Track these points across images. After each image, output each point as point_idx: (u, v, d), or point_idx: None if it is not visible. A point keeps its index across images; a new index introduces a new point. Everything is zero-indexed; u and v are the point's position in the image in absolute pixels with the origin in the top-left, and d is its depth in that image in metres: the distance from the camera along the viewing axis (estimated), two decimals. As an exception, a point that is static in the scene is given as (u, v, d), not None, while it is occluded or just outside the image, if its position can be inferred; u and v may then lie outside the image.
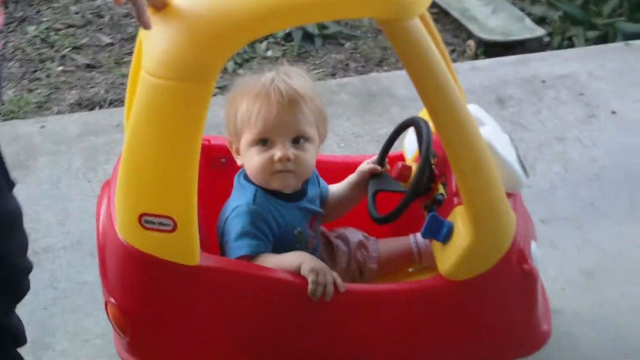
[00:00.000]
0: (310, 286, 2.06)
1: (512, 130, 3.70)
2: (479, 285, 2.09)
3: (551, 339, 2.34)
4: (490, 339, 2.19)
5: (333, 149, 3.65)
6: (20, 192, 3.36)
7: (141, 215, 2.00)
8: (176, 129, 1.92)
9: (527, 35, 4.64)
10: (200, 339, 2.11)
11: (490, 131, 2.22)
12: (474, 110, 2.28)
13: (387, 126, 3.70)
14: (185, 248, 2.03)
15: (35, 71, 4.48)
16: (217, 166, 2.48)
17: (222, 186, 2.36)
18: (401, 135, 2.44)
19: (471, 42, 4.63)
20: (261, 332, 2.12)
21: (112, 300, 2.16)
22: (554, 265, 2.91)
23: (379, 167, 2.41)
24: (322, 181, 2.42)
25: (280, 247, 2.20)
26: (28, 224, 3.17)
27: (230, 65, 4.46)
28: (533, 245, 2.23)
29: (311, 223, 2.32)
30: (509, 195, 2.16)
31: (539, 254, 2.23)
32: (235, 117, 2.23)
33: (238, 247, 2.16)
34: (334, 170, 2.50)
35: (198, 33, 1.88)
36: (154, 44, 1.92)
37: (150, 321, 2.13)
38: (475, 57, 4.58)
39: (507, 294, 2.13)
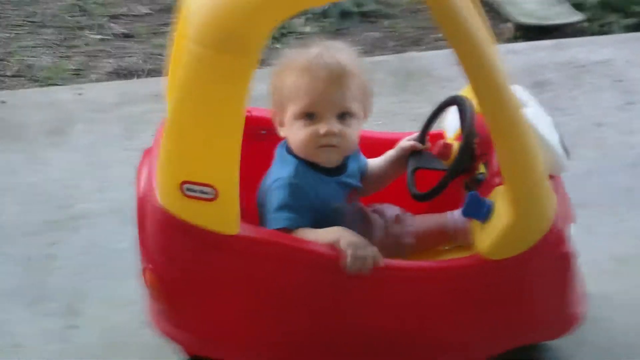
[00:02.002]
0: (348, 259, 2.06)
1: (550, 115, 3.67)
2: (517, 265, 2.09)
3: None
4: (525, 320, 2.19)
5: (370, 126, 3.60)
6: (57, 158, 3.43)
7: (183, 183, 2.01)
8: (221, 98, 1.93)
9: (564, 20, 4.62)
10: (234, 310, 2.13)
11: (534, 113, 2.22)
12: (517, 91, 2.27)
13: (424, 105, 3.66)
14: (226, 217, 2.05)
15: (72, 38, 4.50)
16: (258, 137, 2.48)
17: (262, 157, 2.36)
18: (442, 114, 2.44)
19: (509, 25, 4.60)
20: (297, 303, 2.13)
21: (150, 266, 2.17)
22: (587, 250, 2.88)
23: (419, 144, 2.41)
24: (362, 156, 2.42)
25: (319, 220, 2.20)
26: (65, 189, 3.24)
27: (266, 41, 4.45)
28: (572, 228, 2.22)
29: (350, 197, 2.33)
30: (550, 177, 2.16)
31: (577, 237, 2.22)
32: (281, 89, 2.24)
33: (277, 219, 2.17)
34: (374, 145, 2.49)
35: (239, 4, 1.89)
36: (200, 13, 1.93)
37: (188, 289, 2.15)
38: (513, 40, 4.55)
39: (544, 275, 2.13)
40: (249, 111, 2.48)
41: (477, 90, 1.95)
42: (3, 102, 3.84)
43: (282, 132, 2.29)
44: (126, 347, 2.60)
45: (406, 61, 4.16)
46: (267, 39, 1.94)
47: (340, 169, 2.30)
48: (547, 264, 2.11)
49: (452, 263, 2.15)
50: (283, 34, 4.56)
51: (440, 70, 4.01)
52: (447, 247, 2.44)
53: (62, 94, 3.89)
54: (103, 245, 2.99)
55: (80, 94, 3.85)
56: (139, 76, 4.20)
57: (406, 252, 2.42)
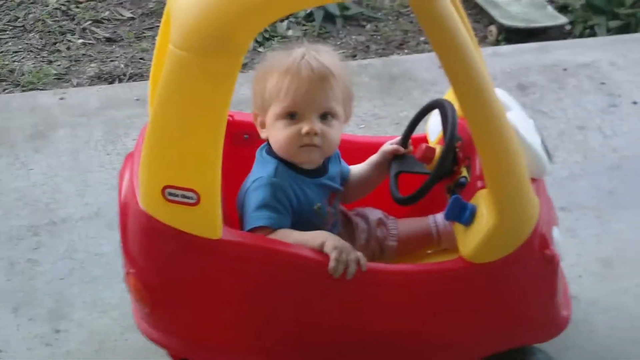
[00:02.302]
0: (332, 263, 2.05)
1: (534, 118, 3.62)
2: (500, 269, 2.08)
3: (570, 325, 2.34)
4: (510, 323, 2.18)
5: (352, 129, 3.63)
6: (39, 163, 3.41)
7: (165, 188, 2.00)
8: (203, 102, 1.92)
9: (549, 22, 4.63)
10: (219, 313, 2.12)
11: (516, 116, 2.22)
12: (500, 94, 2.27)
13: (407, 109, 3.70)
14: (208, 221, 2.03)
15: (55, 43, 4.48)
16: (240, 142, 2.48)
17: (244, 162, 2.35)
18: (425, 117, 2.44)
19: (493, 28, 4.61)
20: (281, 308, 2.11)
21: (133, 271, 2.16)
22: (572, 253, 2.90)
23: (402, 148, 2.40)
24: (343, 162, 2.42)
25: (299, 222, 2.20)
26: (47, 194, 3.22)
27: (250, 44, 4.45)
28: (555, 231, 2.22)
29: (330, 200, 2.32)
30: (532, 181, 2.16)
31: (561, 240, 2.22)
32: (263, 90, 2.23)
33: (256, 218, 2.16)
34: (356, 150, 2.49)
35: (227, 6, 1.87)
36: (183, 16, 1.91)
37: (171, 293, 2.13)
38: (497, 43, 4.57)
39: (528, 278, 2.13)
40: (231, 115, 2.48)
41: (459, 93, 1.95)
42: (-16, 107, 3.82)
43: (263, 133, 2.28)
44: (112, 351, 2.60)
45: (390, 65, 4.15)
46: (251, 42, 1.93)
47: (321, 170, 2.30)
48: (530, 267, 2.11)
49: (435, 266, 2.14)
50: (266, 38, 4.55)
51: (424, 73, 4.01)
52: (430, 251, 2.45)
53: (45, 98, 3.87)
54: (85, 250, 2.98)
55: (62, 99, 3.83)
56: (121, 80, 4.18)
57: (390, 256, 2.42)
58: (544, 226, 2.13)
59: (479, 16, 4.78)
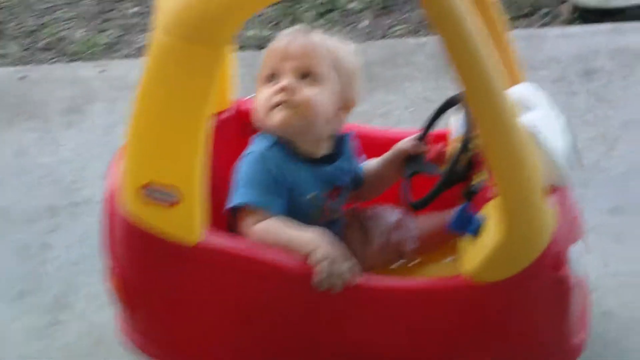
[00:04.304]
0: (320, 275, 1.88)
1: (596, 106, 3.43)
2: (507, 289, 1.87)
3: (598, 344, 2.18)
4: (516, 350, 1.97)
5: (400, 112, 3.45)
6: (71, 139, 3.30)
7: (144, 186, 1.86)
8: (185, 91, 1.78)
9: (627, 2, 4.30)
10: (199, 320, 1.97)
11: (540, 116, 2.00)
12: (526, 90, 2.07)
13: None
14: (189, 223, 1.88)
15: (108, 11, 4.36)
16: (248, 132, 2.31)
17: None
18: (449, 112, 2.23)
19: (564, 7, 4.32)
20: (264, 318, 1.95)
21: (116, 269, 2.03)
22: (616, 260, 2.65)
23: (417, 146, 2.20)
24: (358, 159, 2.23)
25: (292, 210, 2.02)
26: (73, 172, 3.11)
27: (310, 16, 4.28)
28: (577, 247, 1.99)
29: (332, 194, 2.13)
30: (554, 189, 1.95)
31: (583, 255, 1.99)
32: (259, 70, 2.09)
33: (245, 193, 1.99)
34: (376, 145, 2.30)
35: None
36: (172, 1, 1.78)
37: (150, 296, 2.00)
38: (569, 22, 4.27)
39: (536, 301, 1.90)
40: (240, 104, 2.32)
41: (466, 93, 1.75)
42: (24, 77, 3.72)
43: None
44: (109, 347, 2.44)
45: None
46: (237, 31, 1.78)
47: (325, 160, 2.11)
48: (540, 289, 1.89)
49: (434, 284, 1.94)
50: (328, 10, 4.36)
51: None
52: (450, 259, 2.24)
53: (86, 70, 3.76)
54: (100, 235, 2.85)
55: (103, 71, 3.71)
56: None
57: (411, 257, 2.25)
58: (559, 243, 1.90)
59: (552, -7, 4.48)
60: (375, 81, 3.60)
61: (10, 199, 3.05)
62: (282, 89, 2.00)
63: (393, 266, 2.22)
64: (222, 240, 1.93)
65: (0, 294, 2.65)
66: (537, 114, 2.00)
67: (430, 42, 3.95)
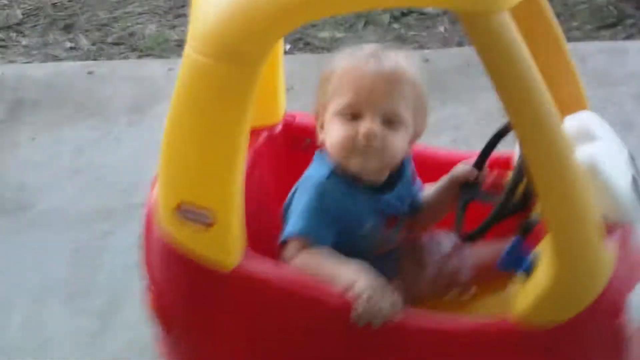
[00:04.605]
0: (359, 308, 1.78)
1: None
2: (557, 337, 1.75)
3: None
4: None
5: (471, 125, 3.32)
6: (132, 138, 3.25)
7: (179, 205, 1.80)
8: (217, 113, 1.72)
9: None
10: (232, 349, 1.89)
11: (601, 148, 1.86)
12: (587, 120, 1.93)
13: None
14: (225, 246, 1.81)
15: (182, 6, 4.30)
16: (301, 147, 2.23)
17: (304, 169, 2.09)
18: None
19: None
20: (300, 352, 1.86)
21: (153, 287, 1.97)
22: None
23: (474, 172, 2.09)
24: (417, 184, 2.13)
25: (344, 242, 1.94)
26: (131, 174, 3.05)
27: (385, 19, 4.17)
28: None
29: (389, 223, 2.04)
30: (615, 227, 1.82)
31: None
32: (326, 87, 1.98)
33: (295, 223, 1.92)
34: (431, 167, 2.19)
35: (247, 11, 1.66)
36: (202, 15, 1.73)
37: (185, 320, 1.92)
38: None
39: (590, 351, 1.78)
40: (292, 117, 2.24)
41: (514, 125, 1.64)
42: (90, 72, 3.69)
43: (321, 135, 2.02)
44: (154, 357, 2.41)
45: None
46: (271, 50, 1.70)
47: (384, 187, 2.02)
48: (595, 337, 1.76)
49: (479, 327, 1.82)
50: (403, 14, 4.24)
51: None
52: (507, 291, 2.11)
53: (154, 68, 3.71)
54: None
55: (171, 69, 3.65)
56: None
57: (462, 287, 2.12)
58: (618, 287, 1.77)
59: (637, 4, 4.26)
60: (447, 91, 3.48)
61: (66, 199, 3.02)
62: (367, 135, 1.90)
63: (447, 297, 2.11)
64: (260, 266, 1.84)
65: (52, 295, 2.64)
66: (598, 145, 1.87)
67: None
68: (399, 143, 1.95)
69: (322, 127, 2.01)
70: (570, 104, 1.99)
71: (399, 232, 2.08)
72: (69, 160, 3.20)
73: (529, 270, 1.78)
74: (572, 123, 1.92)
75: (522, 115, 1.63)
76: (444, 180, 2.12)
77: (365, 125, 1.90)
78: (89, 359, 2.44)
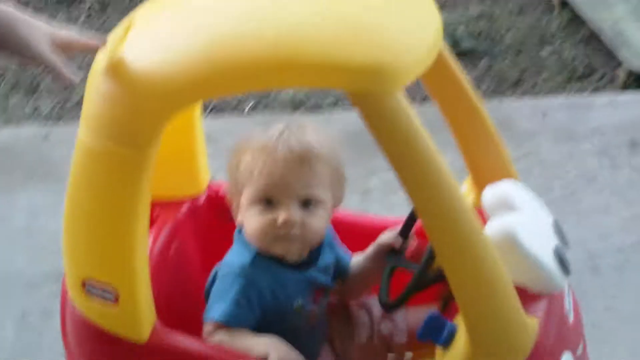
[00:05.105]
0: (269, 383, 1.75)
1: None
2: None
3: None
4: None
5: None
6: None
7: (83, 281, 1.81)
8: (109, 193, 1.73)
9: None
10: None
11: (520, 219, 1.83)
12: (505, 191, 1.91)
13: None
14: (131, 321, 1.80)
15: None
16: (227, 219, 2.18)
17: (231, 241, 2.05)
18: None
19: (620, 72, 4.09)
20: None
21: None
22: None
23: (399, 239, 2.04)
24: (342, 249, 2.09)
25: (273, 321, 1.91)
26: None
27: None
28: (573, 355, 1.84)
29: (316, 297, 2.00)
30: (541, 296, 1.79)
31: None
32: (236, 170, 1.95)
33: (216, 309, 1.89)
34: (358, 234, 2.15)
35: (135, 94, 1.68)
36: (93, 97, 1.74)
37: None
38: (626, 87, 4.04)
39: None
40: (217, 186, 2.21)
41: (415, 206, 1.65)
42: (46, 136, 3.67)
43: (238, 217, 1.98)
44: None
45: (488, 110, 3.74)
46: (162, 132, 1.70)
47: (307, 262, 1.98)
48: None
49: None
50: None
51: (524, 123, 3.61)
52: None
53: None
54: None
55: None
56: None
57: (398, 352, 2.09)
58: (542, 357, 1.74)
59: (608, 58, 4.23)
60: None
61: (17, 263, 3.02)
62: (286, 224, 1.87)
63: (383, 363, 2.07)
64: (172, 340, 1.83)
65: (-2, 359, 2.63)
66: (517, 215, 1.84)
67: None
68: (319, 224, 1.92)
69: (237, 206, 1.97)
70: (494, 171, 1.98)
71: (326, 302, 2.05)
72: (23, 223, 3.20)
73: (446, 342, 1.74)
74: (492, 192, 1.90)
75: (419, 196, 1.62)
76: (370, 247, 2.08)
77: (282, 214, 1.87)
78: None
